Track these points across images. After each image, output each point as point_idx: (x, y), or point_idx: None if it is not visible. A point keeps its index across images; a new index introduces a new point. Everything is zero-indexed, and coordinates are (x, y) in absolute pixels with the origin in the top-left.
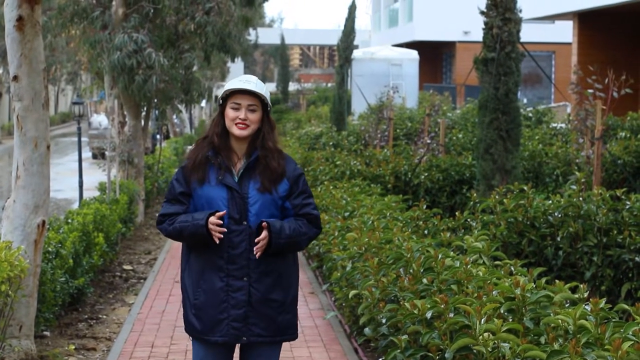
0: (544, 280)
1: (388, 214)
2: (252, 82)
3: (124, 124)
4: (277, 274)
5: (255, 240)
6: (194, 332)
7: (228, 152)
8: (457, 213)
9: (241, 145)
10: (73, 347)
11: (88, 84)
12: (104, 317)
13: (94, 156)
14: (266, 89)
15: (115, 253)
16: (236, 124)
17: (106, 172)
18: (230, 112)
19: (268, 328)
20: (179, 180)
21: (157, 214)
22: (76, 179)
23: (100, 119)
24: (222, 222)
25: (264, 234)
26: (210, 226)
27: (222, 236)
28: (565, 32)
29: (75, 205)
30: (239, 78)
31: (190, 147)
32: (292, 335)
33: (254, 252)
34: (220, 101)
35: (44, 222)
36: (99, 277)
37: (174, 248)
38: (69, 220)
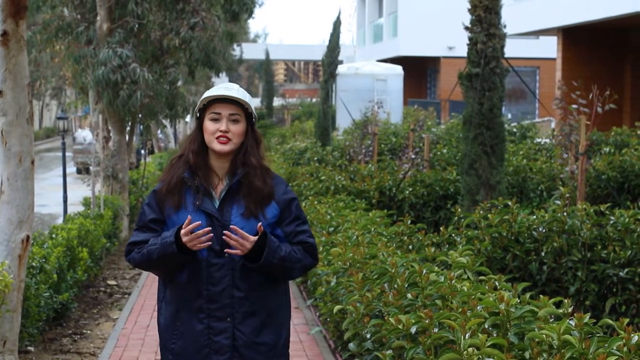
0: (528, 295)
1: (372, 229)
2: (233, 89)
3: (109, 139)
4: (266, 313)
5: (235, 230)
6: None
7: (207, 172)
8: (441, 228)
9: (222, 163)
10: None
11: (72, 99)
12: (88, 332)
13: (79, 171)
14: (248, 96)
15: (100, 268)
16: (217, 138)
17: (90, 187)
18: (209, 125)
19: None
20: (150, 206)
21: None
22: (60, 194)
23: (84, 134)
24: (195, 225)
25: (252, 237)
26: (185, 238)
27: (210, 243)
28: (550, 47)
29: (60, 220)
30: (218, 86)
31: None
32: None
33: (229, 291)
34: (198, 114)
35: (28, 237)
36: (83, 292)
37: None
38: (53, 235)
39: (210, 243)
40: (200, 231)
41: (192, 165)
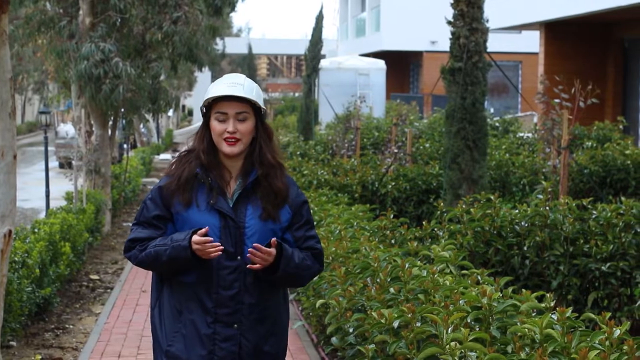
0: (510, 289)
1: (355, 223)
2: (238, 85)
3: (91, 134)
4: (272, 320)
5: (258, 248)
6: None
7: (220, 170)
8: (424, 222)
9: (234, 162)
10: (39, 357)
11: (55, 93)
12: (71, 326)
13: (61, 165)
14: (257, 89)
15: (82, 263)
16: (225, 140)
17: (73, 181)
18: (216, 125)
19: None
20: (154, 201)
21: (125, 239)
22: (43, 188)
23: (67, 129)
24: (209, 239)
25: (272, 250)
26: (196, 247)
27: (220, 252)
28: (532, 42)
29: (42, 215)
30: (223, 79)
31: (159, 157)
32: None
33: (239, 295)
34: (204, 109)
35: (10, 231)
36: (65, 286)
37: None
38: (36, 230)
39: (219, 252)
40: (206, 237)
41: (204, 163)
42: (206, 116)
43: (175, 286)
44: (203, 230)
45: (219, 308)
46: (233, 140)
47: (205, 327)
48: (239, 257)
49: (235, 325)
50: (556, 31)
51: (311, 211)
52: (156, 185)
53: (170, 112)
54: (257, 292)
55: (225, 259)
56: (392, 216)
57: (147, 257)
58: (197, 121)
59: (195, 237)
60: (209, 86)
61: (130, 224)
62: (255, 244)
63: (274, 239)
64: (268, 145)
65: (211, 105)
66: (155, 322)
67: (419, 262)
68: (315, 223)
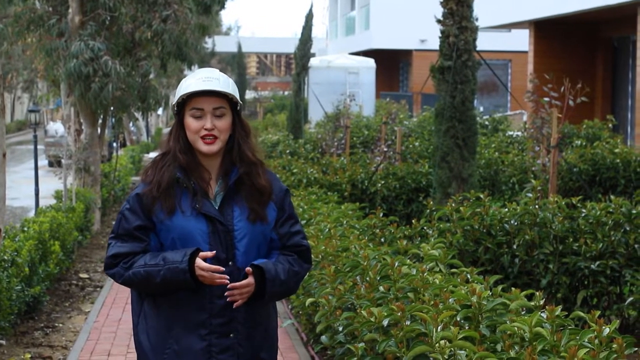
0: (500, 287)
1: (345, 222)
2: (214, 79)
3: (81, 132)
4: (264, 326)
5: (234, 287)
6: None
7: (200, 171)
8: (413, 221)
9: (213, 161)
10: (29, 355)
11: (44, 91)
12: (60, 325)
13: (50, 164)
14: (233, 84)
15: (72, 261)
16: (202, 138)
17: (62, 180)
18: (191, 123)
19: None
20: (133, 211)
21: (105, 255)
22: (32, 187)
23: (56, 127)
24: (220, 268)
25: (250, 279)
26: (201, 273)
27: (227, 281)
28: (522, 40)
29: (32, 214)
30: (196, 74)
31: (148, 155)
32: None
33: (233, 303)
34: (176, 108)
35: None
36: (55, 285)
37: None
38: (25, 229)
39: (226, 282)
40: (217, 267)
41: (183, 165)
42: (180, 114)
43: (160, 300)
44: (209, 254)
45: (213, 318)
46: (211, 137)
47: (199, 341)
48: (230, 263)
49: (232, 335)
50: (545, 30)
51: (293, 204)
52: (133, 194)
53: (160, 111)
54: (251, 299)
55: (217, 266)
56: (381, 215)
57: (135, 277)
58: None
59: (201, 263)
60: (181, 82)
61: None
62: (230, 285)
63: (248, 268)
64: (246, 142)
65: (185, 102)
66: (141, 340)
67: (408, 260)
68: (304, 222)
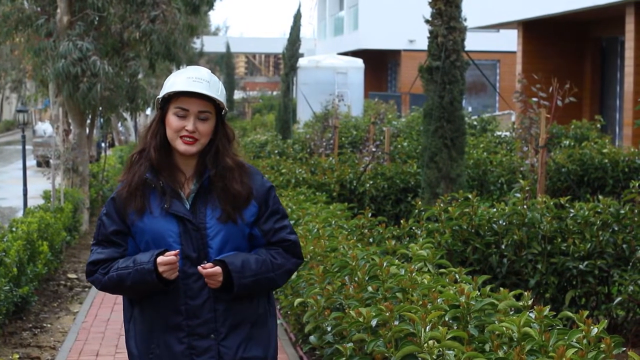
0: (488, 288)
1: (333, 222)
2: (204, 81)
3: (69, 132)
4: (250, 324)
5: (200, 271)
6: None
7: (172, 171)
8: (402, 221)
9: (188, 160)
10: (17, 356)
11: (32, 91)
12: (49, 325)
13: (39, 164)
14: (222, 88)
15: (60, 262)
16: (181, 137)
17: (51, 180)
18: (173, 121)
19: None
20: (109, 216)
21: (86, 262)
22: (20, 187)
23: (44, 127)
24: (175, 259)
25: (216, 269)
26: (162, 268)
27: (177, 273)
28: (510, 40)
29: (20, 214)
30: (185, 72)
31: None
32: None
33: (209, 303)
34: (160, 103)
35: None
36: (43, 285)
37: None
38: (13, 229)
39: (177, 273)
40: (172, 257)
41: (154, 163)
42: (162, 110)
43: (142, 305)
44: (172, 253)
45: (190, 320)
46: (191, 139)
47: (178, 344)
48: (205, 262)
49: (212, 336)
50: (534, 30)
51: (279, 200)
52: (109, 198)
53: (148, 111)
54: (227, 297)
55: (189, 266)
56: (370, 215)
57: (110, 282)
58: None
59: (160, 258)
60: (169, 77)
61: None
62: (199, 267)
63: (207, 263)
64: (226, 148)
65: (170, 99)
66: (130, 346)
67: (397, 260)
68: (292, 222)
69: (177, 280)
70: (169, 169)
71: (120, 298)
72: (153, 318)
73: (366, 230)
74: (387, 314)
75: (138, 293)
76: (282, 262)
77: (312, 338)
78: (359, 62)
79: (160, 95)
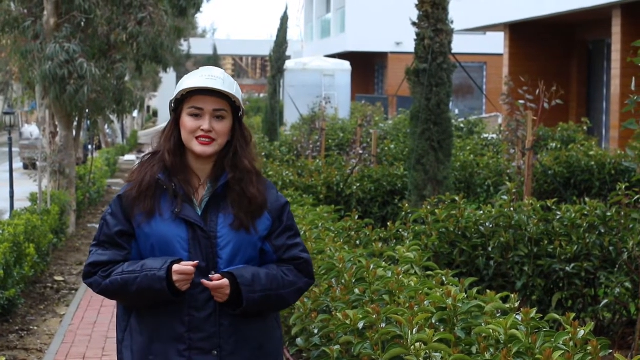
0: (475, 290)
1: (320, 224)
2: (218, 78)
3: (56, 135)
4: (258, 343)
5: (205, 284)
6: None
7: (186, 174)
8: (389, 223)
9: (204, 165)
10: (4, 358)
11: (19, 94)
12: (35, 328)
13: (25, 167)
14: (237, 86)
15: (47, 264)
16: (197, 138)
17: (37, 182)
18: (188, 121)
19: None
20: (115, 216)
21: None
22: (7, 189)
23: (31, 129)
24: (192, 270)
25: (223, 281)
26: (177, 277)
27: (189, 285)
28: (497, 43)
29: (6, 216)
30: (199, 71)
31: (124, 158)
32: None
33: (215, 317)
34: (174, 105)
35: None
36: (30, 288)
37: None
38: (0, 231)
39: (188, 285)
40: (190, 267)
41: (168, 165)
42: (176, 112)
43: (144, 312)
44: (190, 264)
45: (192, 332)
46: (207, 139)
47: (177, 357)
48: (213, 273)
49: (215, 352)
50: (521, 32)
51: (294, 217)
52: (116, 196)
53: (135, 113)
54: (230, 306)
55: (196, 276)
56: (357, 217)
57: (112, 285)
58: (162, 122)
59: (177, 266)
60: (182, 79)
61: (90, 246)
62: (202, 280)
63: (215, 274)
64: (244, 150)
65: (184, 100)
66: (125, 356)
67: (383, 263)
68: None
69: (185, 292)
70: (183, 172)
71: (107, 300)
72: (153, 328)
73: (353, 233)
74: (374, 317)
75: (141, 300)
76: (293, 279)
77: (299, 340)
78: (346, 65)
79: (173, 96)
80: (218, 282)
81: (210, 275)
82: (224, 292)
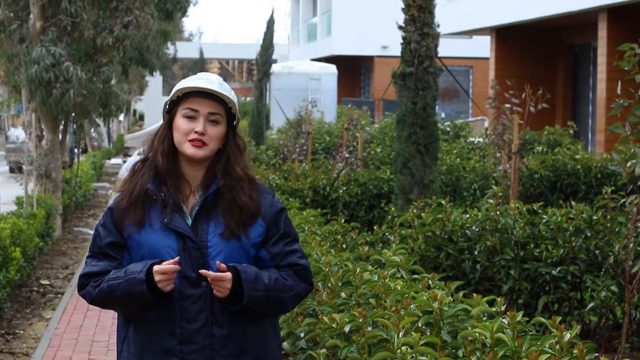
0: (461, 293)
1: (306, 228)
2: (215, 82)
3: (42, 138)
4: (254, 354)
5: (206, 274)
6: None
7: (177, 180)
8: (375, 227)
9: (196, 171)
10: None
11: (5, 97)
12: (21, 332)
13: (11, 170)
14: (233, 93)
15: (33, 268)
16: (190, 140)
17: (23, 186)
18: (181, 123)
19: None
20: (106, 227)
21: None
22: None
23: (17, 133)
24: (173, 268)
25: (226, 273)
26: (159, 277)
27: (172, 285)
28: (483, 47)
29: None
30: (196, 75)
31: (110, 162)
32: None
33: (207, 328)
34: (167, 107)
35: None
36: (16, 292)
37: None
38: None
39: (172, 286)
40: (171, 265)
41: (160, 171)
42: (170, 113)
43: (138, 325)
44: (171, 262)
45: (184, 345)
46: (199, 142)
47: None
48: (203, 283)
49: None
50: (507, 36)
51: (291, 222)
52: (107, 208)
53: (122, 117)
54: (229, 322)
55: (187, 287)
56: (343, 221)
57: (100, 294)
58: (149, 126)
59: (157, 266)
60: (179, 82)
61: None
62: (201, 271)
63: (219, 263)
64: (237, 158)
65: (179, 101)
66: None
67: (370, 266)
68: None
69: (171, 294)
70: (174, 178)
71: (91, 307)
72: (146, 340)
73: (339, 236)
74: (361, 320)
75: (128, 306)
76: (292, 284)
77: (285, 344)
78: (332, 68)
79: (169, 98)
80: (219, 273)
81: (216, 263)
82: (225, 286)
